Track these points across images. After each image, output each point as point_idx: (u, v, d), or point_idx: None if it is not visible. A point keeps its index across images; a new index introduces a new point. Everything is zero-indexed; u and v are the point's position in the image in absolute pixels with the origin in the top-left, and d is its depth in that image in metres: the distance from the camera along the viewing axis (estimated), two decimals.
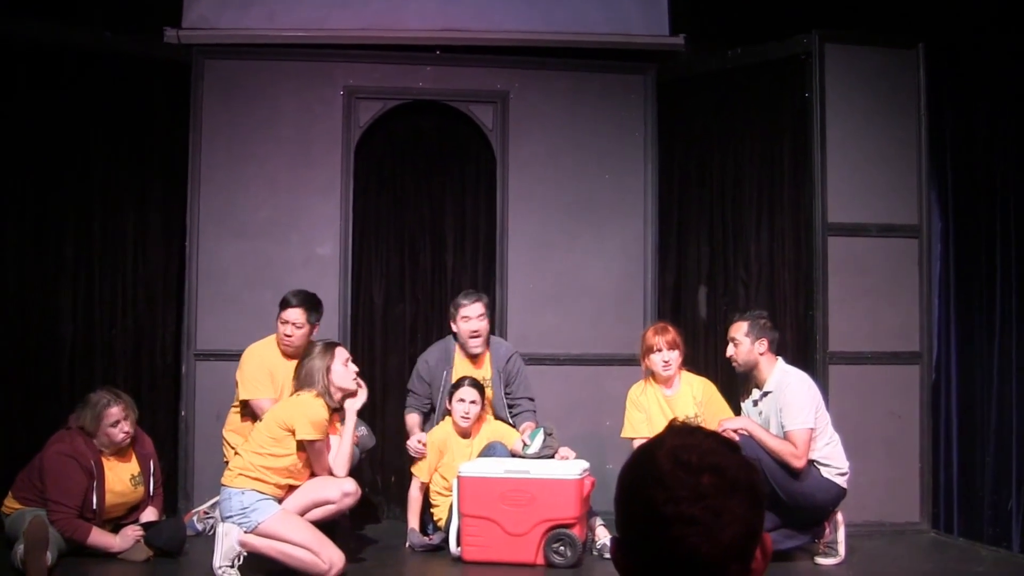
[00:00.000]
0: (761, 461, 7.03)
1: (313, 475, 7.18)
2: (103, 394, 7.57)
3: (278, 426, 7.03)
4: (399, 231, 9.79)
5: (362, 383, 7.36)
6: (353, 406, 7.28)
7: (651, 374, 8.13)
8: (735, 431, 7.30)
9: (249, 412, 8.14)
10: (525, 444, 7.97)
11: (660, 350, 8.01)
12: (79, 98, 8.98)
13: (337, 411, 7.29)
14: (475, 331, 8.37)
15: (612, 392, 8.69)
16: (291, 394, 7.30)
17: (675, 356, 8.03)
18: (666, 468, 1.98)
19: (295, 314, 8.17)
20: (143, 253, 9.29)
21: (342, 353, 7.27)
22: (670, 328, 8.14)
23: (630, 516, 2.02)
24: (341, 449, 7.25)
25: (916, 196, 8.76)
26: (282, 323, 8.19)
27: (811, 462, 7.42)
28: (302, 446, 7.03)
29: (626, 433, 8.09)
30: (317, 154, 9.39)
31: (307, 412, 7.01)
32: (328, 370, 7.16)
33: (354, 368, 7.30)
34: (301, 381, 7.19)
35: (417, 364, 8.60)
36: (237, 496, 6.95)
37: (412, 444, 8.20)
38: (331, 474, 7.17)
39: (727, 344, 7.81)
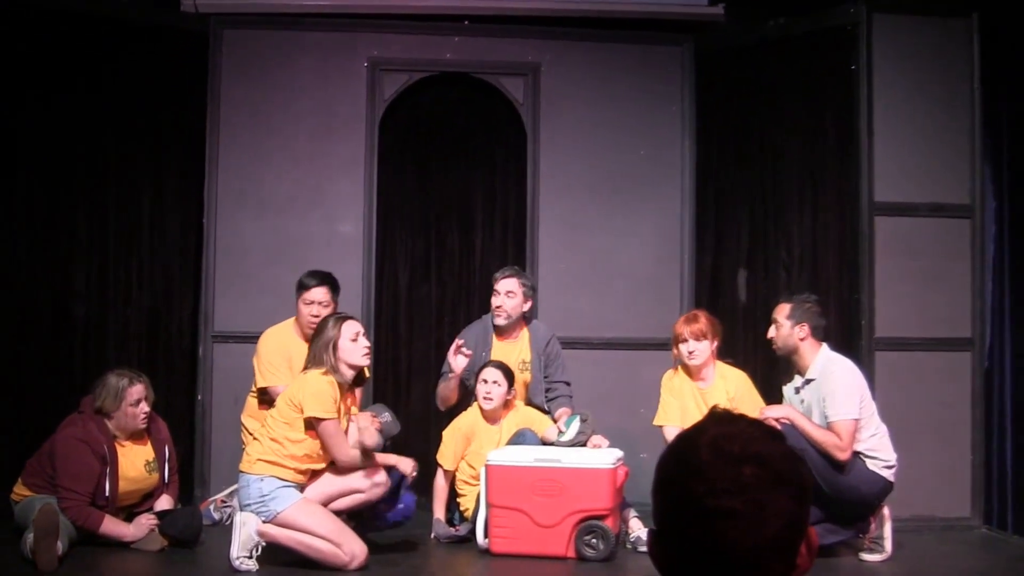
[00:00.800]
0: (806, 452, 6.99)
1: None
2: (122, 372, 7.58)
3: (288, 407, 7.00)
4: (425, 209, 9.79)
5: (367, 360, 7.29)
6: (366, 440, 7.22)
7: (682, 364, 8.09)
8: (777, 420, 7.25)
9: (267, 399, 8.11)
10: (560, 431, 7.96)
11: (686, 340, 7.96)
12: (92, 69, 8.98)
13: (352, 388, 7.27)
14: (498, 306, 8.38)
15: (647, 378, 8.64)
16: (303, 371, 7.26)
17: (702, 347, 7.95)
18: (706, 458, 1.96)
19: (320, 293, 8.16)
20: (159, 230, 9.31)
21: (350, 328, 7.16)
22: (701, 317, 8.07)
23: (668, 508, 2.01)
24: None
25: (969, 174, 8.67)
26: (306, 304, 8.17)
27: (856, 454, 7.36)
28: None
29: (658, 420, 8.05)
30: (340, 128, 9.37)
31: (313, 389, 6.96)
32: (335, 346, 7.12)
33: (364, 343, 7.23)
34: (310, 359, 7.16)
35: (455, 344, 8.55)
36: (256, 483, 6.93)
37: (451, 353, 8.21)
38: (344, 461, 7.09)
39: (770, 325, 7.76)
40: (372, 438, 7.22)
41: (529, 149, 9.54)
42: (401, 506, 7.43)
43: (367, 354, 7.21)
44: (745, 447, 1.96)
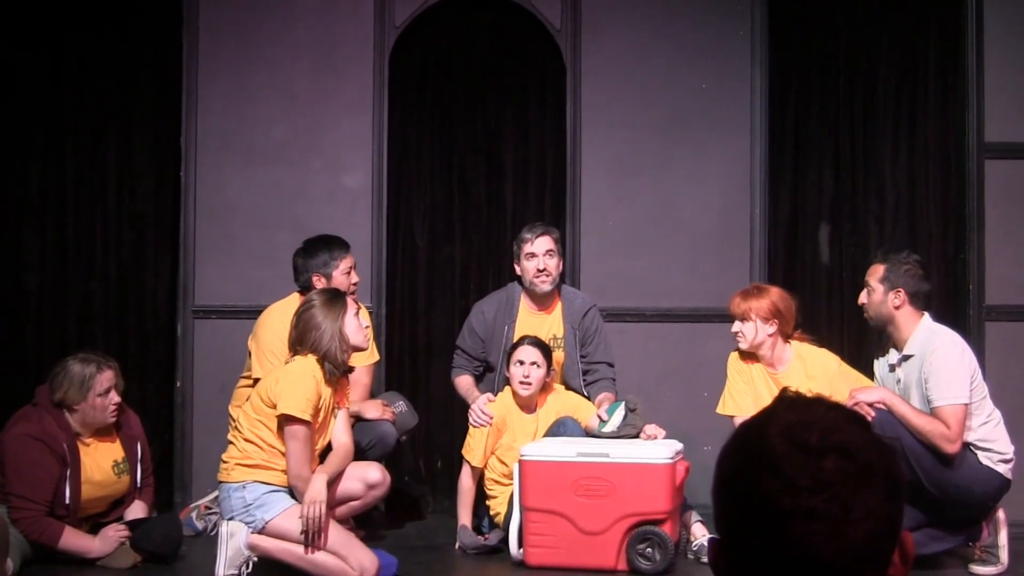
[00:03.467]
0: (902, 441, 6.92)
1: (320, 461, 7.12)
2: (87, 357, 7.54)
3: (263, 403, 6.99)
4: (446, 155, 9.76)
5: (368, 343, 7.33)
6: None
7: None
8: (871, 404, 7.20)
9: None
10: (602, 420, 7.95)
11: (732, 319, 7.91)
12: None
13: (346, 375, 7.28)
14: (541, 269, 8.32)
15: (711, 355, 8.65)
16: (286, 361, 7.23)
17: (747, 328, 7.80)
18: (780, 450, 1.97)
19: (351, 258, 8.12)
20: (128, 184, 9.32)
21: (351, 304, 7.22)
22: (752, 293, 7.87)
23: (734, 511, 2.02)
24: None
25: None
26: (345, 274, 8.08)
27: (966, 445, 7.32)
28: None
29: (725, 408, 7.97)
30: (343, 61, 9.36)
31: (292, 382, 6.92)
32: (340, 329, 7.04)
33: (364, 321, 7.27)
34: (294, 345, 7.11)
35: (470, 315, 8.58)
36: (237, 492, 6.95)
37: (477, 408, 8.12)
38: (293, 473, 6.94)
39: (862, 289, 7.70)
40: (373, 411, 7.51)
41: (568, 82, 9.49)
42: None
43: (367, 335, 7.23)
44: (825, 436, 1.96)
